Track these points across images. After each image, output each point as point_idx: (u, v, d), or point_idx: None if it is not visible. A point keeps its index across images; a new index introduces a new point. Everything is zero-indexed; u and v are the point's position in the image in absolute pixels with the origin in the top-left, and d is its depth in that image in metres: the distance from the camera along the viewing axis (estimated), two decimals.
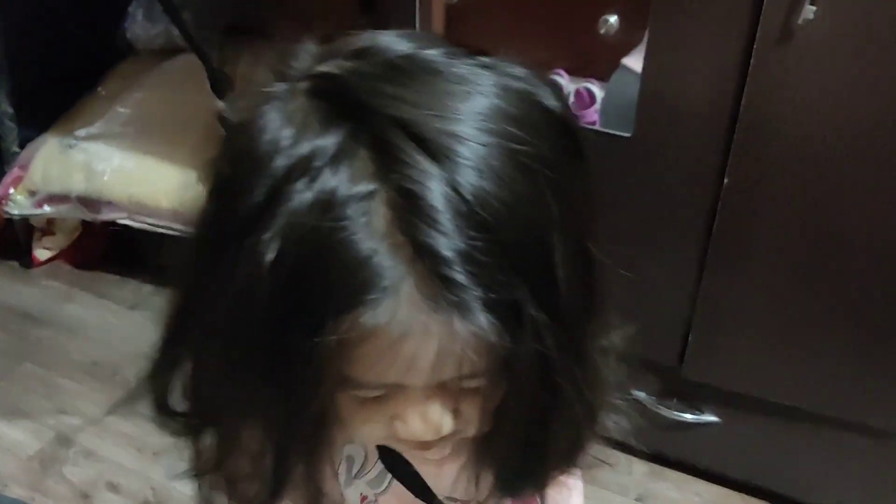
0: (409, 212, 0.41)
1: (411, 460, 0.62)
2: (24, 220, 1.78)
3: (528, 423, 0.50)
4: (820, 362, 1.20)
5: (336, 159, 0.42)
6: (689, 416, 1.35)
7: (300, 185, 0.42)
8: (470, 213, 0.41)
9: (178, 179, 1.57)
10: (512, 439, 0.51)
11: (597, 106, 1.32)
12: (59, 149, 1.65)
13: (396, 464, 0.64)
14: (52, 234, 1.85)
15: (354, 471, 0.66)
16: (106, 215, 1.65)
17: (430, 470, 0.64)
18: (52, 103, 1.73)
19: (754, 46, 1.03)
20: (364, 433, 0.52)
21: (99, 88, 1.74)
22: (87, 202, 1.64)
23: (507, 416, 0.50)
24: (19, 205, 1.69)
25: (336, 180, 0.41)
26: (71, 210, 1.67)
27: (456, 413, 0.50)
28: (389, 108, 0.42)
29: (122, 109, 1.67)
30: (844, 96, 1.03)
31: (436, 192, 0.41)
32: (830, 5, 0.97)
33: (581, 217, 0.49)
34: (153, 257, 1.81)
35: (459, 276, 0.41)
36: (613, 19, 1.22)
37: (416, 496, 0.66)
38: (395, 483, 0.65)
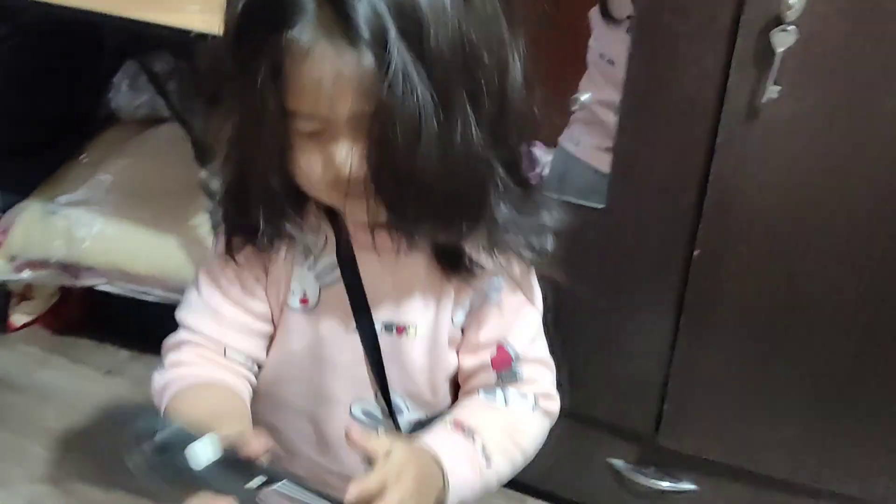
0: None
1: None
2: (2, 285, 1.77)
3: (399, 153, 0.64)
4: (790, 430, 1.22)
5: None
6: (665, 485, 1.36)
7: None
8: None
9: (159, 246, 1.59)
10: (388, 167, 0.65)
11: (538, 170, 1.36)
12: (40, 215, 1.66)
13: (345, 263, 0.78)
14: (30, 299, 1.84)
15: (308, 263, 0.79)
16: (85, 281, 1.65)
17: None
18: (34, 170, 1.74)
19: (720, 123, 1.08)
20: (304, 166, 0.69)
21: (82, 156, 1.76)
22: (67, 268, 1.64)
23: (382, 144, 0.64)
24: None
25: None
26: (50, 276, 1.67)
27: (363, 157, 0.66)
28: None
29: (104, 177, 1.69)
30: (806, 171, 1.07)
31: None
32: (793, 86, 1.02)
33: (463, 17, 0.64)
34: (131, 323, 1.80)
35: (352, 13, 0.61)
36: (586, 97, 1.26)
37: (351, 301, 0.79)
38: (339, 284, 0.78)
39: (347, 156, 0.67)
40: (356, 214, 0.73)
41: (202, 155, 1.41)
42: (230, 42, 0.68)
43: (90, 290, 1.68)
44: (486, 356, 0.81)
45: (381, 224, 0.71)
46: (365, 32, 0.61)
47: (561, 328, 1.30)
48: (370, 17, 0.61)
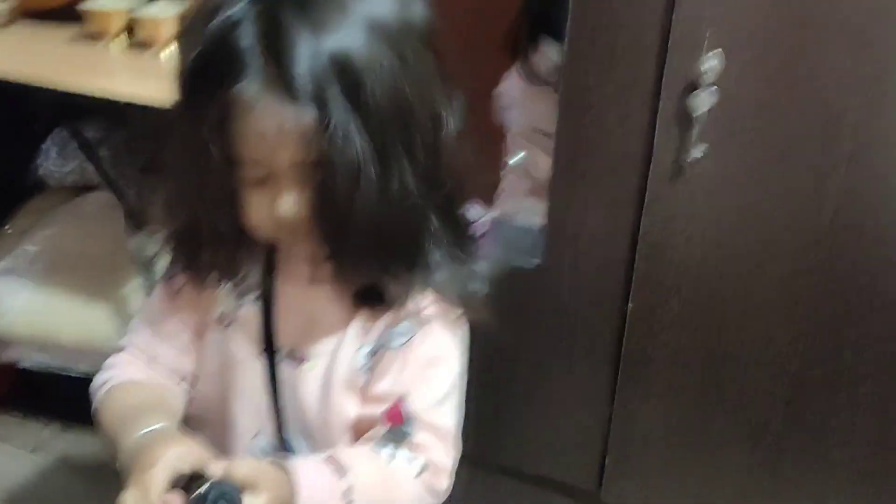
0: (271, 29, 0.66)
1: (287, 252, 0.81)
2: None
3: (339, 199, 0.68)
4: (731, 477, 1.24)
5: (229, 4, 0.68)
6: None
7: (217, 19, 0.68)
8: (314, 38, 0.65)
9: (86, 317, 1.54)
10: (328, 213, 0.70)
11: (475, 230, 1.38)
12: None
13: (266, 285, 0.81)
14: None
15: (235, 282, 0.82)
16: (9, 355, 1.59)
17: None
18: None
19: (648, 181, 1.11)
20: (253, 209, 0.73)
21: (6, 226, 1.72)
22: None
23: (323, 191, 0.69)
24: None
25: (232, 10, 0.67)
26: None
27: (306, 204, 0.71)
28: None
29: (30, 247, 1.64)
30: (731, 225, 1.11)
31: (289, 16, 0.65)
32: (715, 144, 1.06)
33: (399, 74, 0.68)
34: (56, 399, 1.74)
35: (294, 71, 0.65)
36: (517, 158, 1.30)
37: (262, 324, 0.81)
38: (255, 306, 0.81)
39: (291, 202, 0.71)
40: (295, 251, 0.78)
41: (134, 222, 1.40)
42: (181, 93, 0.72)
43: (14, 365, 1.62)
44: (380, 408, 0.79)
45: (318, 261, 0.76)
46: (306, 88, 0.65)
47: (499, 386, 1.31)
48: (312, 73, 0.65)
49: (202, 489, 0.65)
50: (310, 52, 0.65)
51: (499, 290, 0.76)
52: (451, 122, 0.75)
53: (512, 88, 1.34)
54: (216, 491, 0.64)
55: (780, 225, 1.09)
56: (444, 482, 0.81)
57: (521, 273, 1.22)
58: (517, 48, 1.32)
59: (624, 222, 1.15)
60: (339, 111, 0.65)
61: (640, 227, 1.14)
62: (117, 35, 1.38)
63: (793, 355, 1.15)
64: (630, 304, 1.18)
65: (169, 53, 1.34)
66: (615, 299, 1.19)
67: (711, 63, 1.03)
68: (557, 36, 1.25)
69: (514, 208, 1.36)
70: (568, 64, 1.11)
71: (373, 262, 0.74)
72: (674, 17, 1.03)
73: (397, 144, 0.70)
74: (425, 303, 0.78)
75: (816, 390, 1.15)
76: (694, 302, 1.16)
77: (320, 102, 0.65)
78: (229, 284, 0.82)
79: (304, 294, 0.80)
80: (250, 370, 0.83)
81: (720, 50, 1.02)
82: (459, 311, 0.81)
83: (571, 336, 1.25)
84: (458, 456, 0.82)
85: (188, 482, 0.67)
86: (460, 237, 0.79)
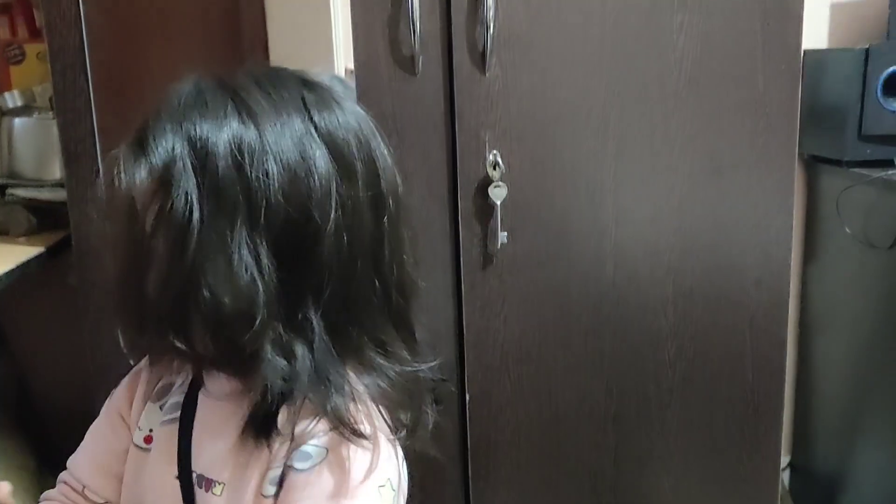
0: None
1: None
2: None
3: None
4: None
5: None
6: None
7: None
8: (182, 118, 0.70)
9: None
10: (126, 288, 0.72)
11: None
12: None
13: (188, 402, 0.77)
14: None
15: (163, 401, 0.79)
16: None
17: None
18: None
19: (461, 275, 1.21)
20: None
21: None
22: None
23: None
24: None
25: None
26: None
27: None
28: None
29: None
30: (537, 299, 1.25)
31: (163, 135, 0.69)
32: (514, 231, 1.21)
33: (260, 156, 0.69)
34: None
35: (147, 144, 0.69)
36: None
37: (179, 445, 0.76)
38: (174, 425, 0.77)
39: None
40: None
41: None
42: None
43: None
44: None
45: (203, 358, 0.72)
46: (160, 154, 0.68)
47: None
48: (163, 146, 0.68)
49: None
50: (172, 129, 0.68)
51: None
52: (336, 208, 0.71)
53: None
54: None
55: (574, 288, 1.26)
56: None
57: None
58: None
59: (448, 318, 1.23)
60: (183, 182, 0.66)
61: (463, 319, 1.23)
62: None
63: (609, 401, 1.30)
64: (468, 395, 1.24)
65: None
66: (454, 394, 1.25)
67: (494, 161, 1.18)
68: None
69: None
70: None
71: (214, 343, 0.68)
72: (455, 128, 1.18)
73: (237, 222, 0.67)
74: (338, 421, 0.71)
75: (633, 428, 1.31)
76: (522, 377, 1.26)
77: (164, 173, 0.67)
78: (157, 402, 0.78)
79: (218, 414, 0.75)
80: (167, 495, 0.76)
81: (497, 151, 1.19)
82: (394, 430, 0.77)
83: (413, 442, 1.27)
84: None
85: None
86: (342, 348, 0.74)
